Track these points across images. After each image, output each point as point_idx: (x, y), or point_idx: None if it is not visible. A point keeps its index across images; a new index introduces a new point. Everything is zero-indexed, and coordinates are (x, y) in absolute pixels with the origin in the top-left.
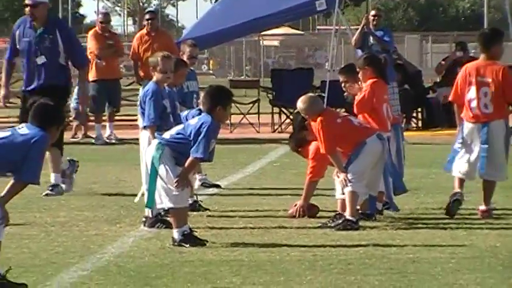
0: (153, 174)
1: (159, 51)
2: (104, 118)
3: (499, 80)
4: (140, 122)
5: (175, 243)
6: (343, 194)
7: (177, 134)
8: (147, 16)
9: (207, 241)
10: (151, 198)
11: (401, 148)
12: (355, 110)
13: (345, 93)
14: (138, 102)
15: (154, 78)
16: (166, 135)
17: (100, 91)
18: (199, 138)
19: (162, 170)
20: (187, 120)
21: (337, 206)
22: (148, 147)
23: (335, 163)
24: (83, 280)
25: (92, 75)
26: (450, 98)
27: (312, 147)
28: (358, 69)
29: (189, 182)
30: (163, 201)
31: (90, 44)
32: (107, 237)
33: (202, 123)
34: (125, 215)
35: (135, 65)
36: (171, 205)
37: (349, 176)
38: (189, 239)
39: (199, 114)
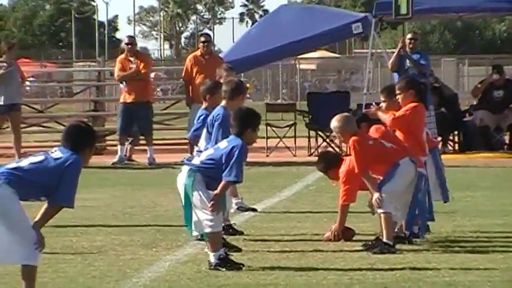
0: (188, 200)
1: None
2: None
3: None
4: (202, 145)
5: (212, 267)
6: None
7: (208, 159)
8: (202, 39)
9: (243, 265)
10: (190, 223)
11: (442, 169)
12: (389, 125)
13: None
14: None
15: (224, 103)
16: (197, 160)
17: (123, 113)
18: (232, 162)
19: (196, 196)
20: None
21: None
22: (179, 175)
23: (368, 183)
24: None
25: (121, 98)
26: None
27: (342, 169)
28: (398, 92)
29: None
30: (198, 227)
31: (115, 69)
32: (143, 262)
33: (233, 147)
34: (161, 239)
35: (187, 86)
36: (207, 230)
37: (382, 197)
38: (226, 262)
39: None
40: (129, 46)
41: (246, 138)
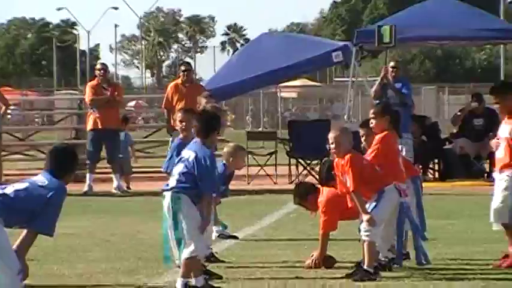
0: (177, 225)
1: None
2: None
3: None
4: None
5: None
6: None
7: (182, 173)
8: (182, 68)
9: None
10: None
11: (421, 200)
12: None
13: (362, 145)
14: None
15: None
16: (172, 181)
17: (94, 140)
18: (204, 173)
19: (186, 221)
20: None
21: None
22: (164, 201)
23: (358, 203)
24: None
25: (89, 125)
26: None
27: (321, 200)
28: (373, 116)
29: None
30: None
31: (86, 94)
32: None
33: (203, 157)
34: (142, 266)
35: (168, 114)
36: (194, 254)
37: (370, 223)
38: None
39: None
40: (102, 72)
41: (211, 140)
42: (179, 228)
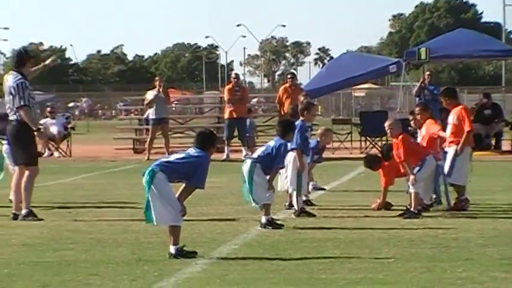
0: (250, 180)
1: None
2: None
3: None
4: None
5: (262, 226)
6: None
7: (263, 152)
8: (289, 76)
9: (283, 225)
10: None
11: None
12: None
13: (409, 127)
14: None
15: (302, 118)
16: (255, 154)
17: (229, 125)
18: (280, 153)
19: (256, 178)
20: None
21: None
22: (245, 164)
23: (407, 167)
24: (235, 251)
25: (226, 115)
26: None
27: (384, 165)
28: (419, 112)
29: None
30: (257, 200)
31: (224, 94)
32: (250, 223)
33: (280, 144)
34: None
35: (279, 106)
36: (266, 202)
37: (414, 181)
38: (272, 223)
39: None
40: (235, 79)
41: (288, 138)
42: (250, 182)
